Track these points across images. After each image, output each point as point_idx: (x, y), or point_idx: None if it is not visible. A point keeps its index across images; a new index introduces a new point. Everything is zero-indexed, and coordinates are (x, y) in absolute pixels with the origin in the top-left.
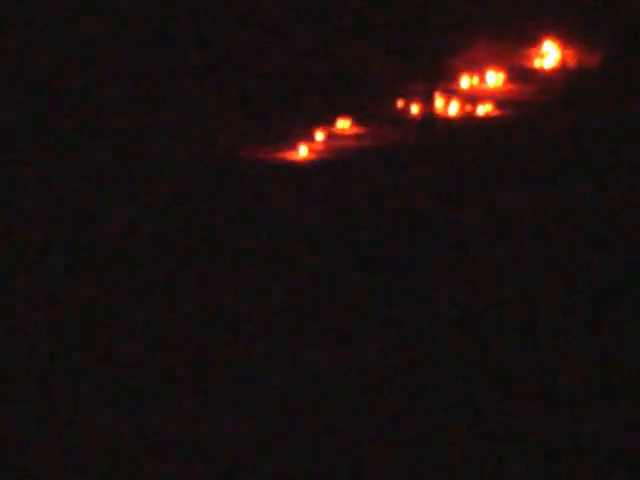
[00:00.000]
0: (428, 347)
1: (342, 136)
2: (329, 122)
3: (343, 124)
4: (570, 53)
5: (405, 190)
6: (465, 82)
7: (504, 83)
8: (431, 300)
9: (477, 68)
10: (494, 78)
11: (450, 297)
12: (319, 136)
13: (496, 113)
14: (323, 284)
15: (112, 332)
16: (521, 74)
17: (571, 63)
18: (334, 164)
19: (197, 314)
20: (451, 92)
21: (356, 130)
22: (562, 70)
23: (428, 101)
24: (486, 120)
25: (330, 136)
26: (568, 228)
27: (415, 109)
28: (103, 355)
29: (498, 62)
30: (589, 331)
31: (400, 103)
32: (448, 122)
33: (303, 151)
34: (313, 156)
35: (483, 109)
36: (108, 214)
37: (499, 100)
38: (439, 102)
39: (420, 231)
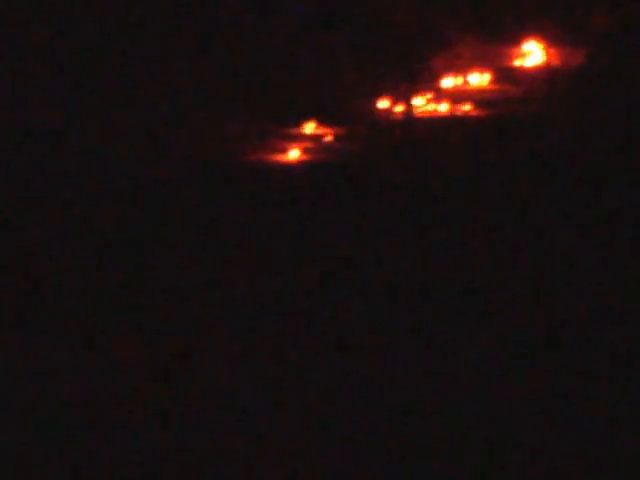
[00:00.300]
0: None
1: (321, 137)
2: (303, 123)
3: (321, 125)
4: (553, 52)
5: (389, 189)
6: (448, 82)
7: (488, 83)
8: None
9: (460, 68)
10: (478, 78)
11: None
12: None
13: (479, 113)
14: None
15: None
16: (505, 74)
17: (554, 62)
18: (318, 165)
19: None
20: (435, 92)
21: (335, 131)
22: (546, 69)
23: (411, 101)
24: (469, 119)
25: (310, 136)
26: (553, 223)
27: (399, 109)
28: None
29: (481, 62)
30: None
31: (383, 104)
32: (431, 122)
33: (285, 153)
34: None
35: (466, 109)
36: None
37: (482, 100)
38: (422, 102)
39: (408, 230)
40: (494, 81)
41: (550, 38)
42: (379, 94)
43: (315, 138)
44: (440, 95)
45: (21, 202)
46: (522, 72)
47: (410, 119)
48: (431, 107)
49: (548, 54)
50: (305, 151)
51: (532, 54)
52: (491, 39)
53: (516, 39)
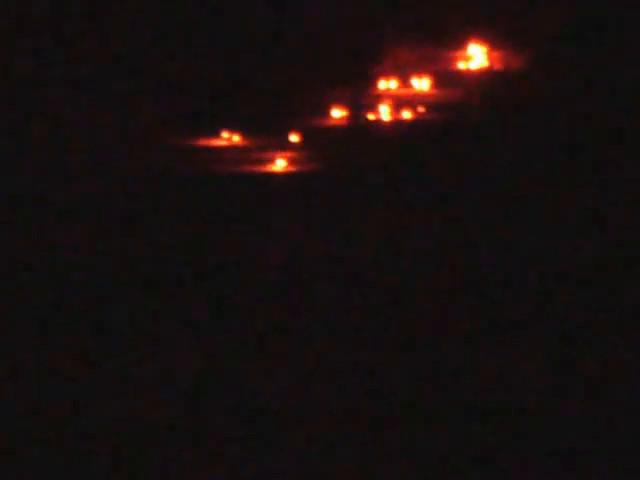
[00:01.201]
0: None
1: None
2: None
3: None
4: (496, 55)
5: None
6: (390, 86)
7: (431, 87)
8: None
9: (403, 72)
10: (421, 82)
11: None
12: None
13: (424, 117)
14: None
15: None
16: (447, 77)
17: (497, 66)
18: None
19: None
20: (377, 97)
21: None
22: (489, 72)
23: (354, 107)
24: (414, 124)
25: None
26: (489, 227)
27: (340, 115)
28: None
29: (424, 66)
30: None
31: (327, 111)
32: (376, 127)
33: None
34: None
35: (410, 113)
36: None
37: (426, 104)
38: (366, 108)
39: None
40: (437, 85)
41: (493, 41)
42: (324, 100)
43: (243, 149)
44: (384, 100)
45: None
46: (465, 75)
47: (355, 124)
48: (375, 111)
49: (491, 57)
50: (229, 162)
51: (475, 57)
52: (434, 43)
53: (459, 43)
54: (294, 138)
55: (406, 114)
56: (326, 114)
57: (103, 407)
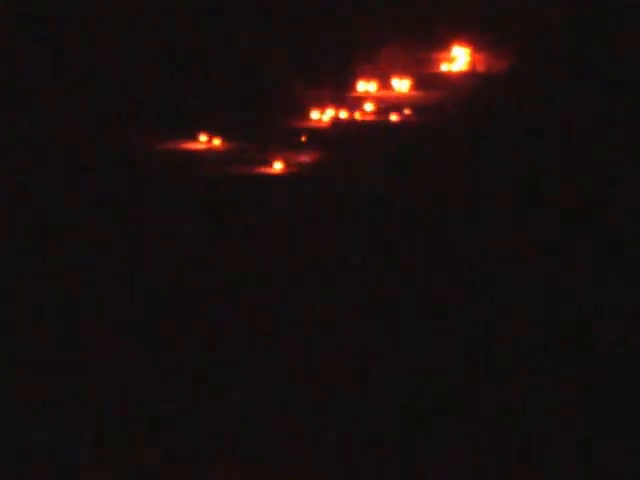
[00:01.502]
0: None
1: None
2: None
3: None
4: (479, 58)
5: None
6: (370, 89)
7: (412, 89)
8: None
9: (385, 74)
10: (403, 84)
11: None
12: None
13: (405, 119)
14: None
15: None
16: (430, 79)
17: (480, 68)
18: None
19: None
20: (358, 100)
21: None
22: (471, 75)
23: (334, 109)
24: (395, 126)
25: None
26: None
27: (319, 116)
28: None
29: (406, 68)
30: None
31: (308, 112)
32: (357, 129)
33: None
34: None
35: (392, 116)
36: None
37: (407, 106)
38: (346, 109)
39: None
40: (419, 86)
41: (477, 43)
42: (303, 102)
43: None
44: (366, 102)
45: None
46: (447, 77)
47: (334, 126)
48: (354, 113)
49: (474, 60)
50: (210, 165)
51: (458, 59)
52: (417, 44)
53: (443, 44)
54: (275, 140)
55: (386, 117)
56: (305, 116)
57: (103, 406)
